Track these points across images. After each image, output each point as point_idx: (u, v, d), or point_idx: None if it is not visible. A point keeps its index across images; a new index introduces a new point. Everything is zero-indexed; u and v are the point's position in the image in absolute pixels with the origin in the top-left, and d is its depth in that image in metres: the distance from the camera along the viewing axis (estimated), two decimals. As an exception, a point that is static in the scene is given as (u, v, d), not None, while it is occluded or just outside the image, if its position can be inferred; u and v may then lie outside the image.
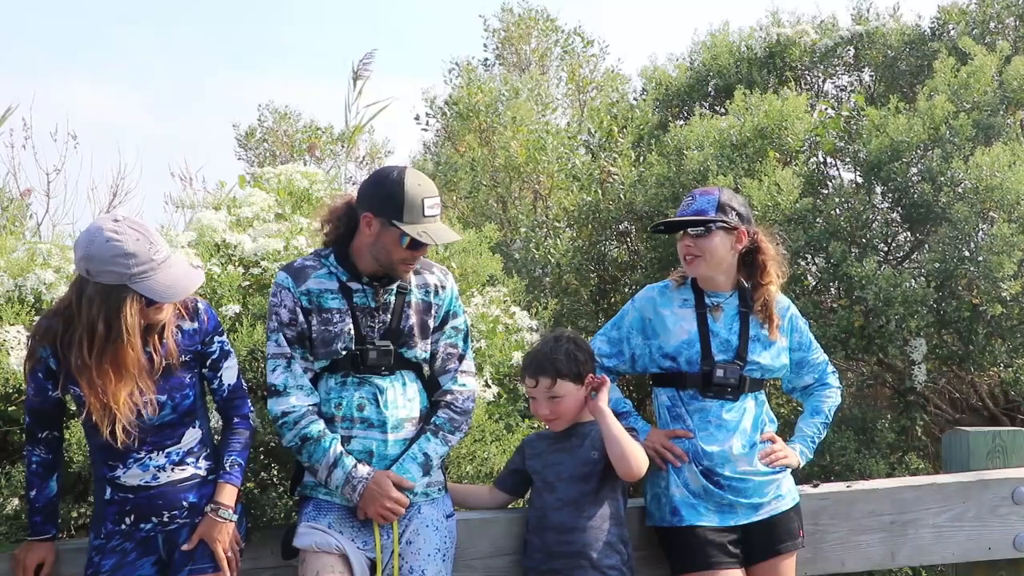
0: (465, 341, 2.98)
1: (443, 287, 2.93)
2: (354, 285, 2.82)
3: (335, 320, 2.78)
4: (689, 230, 2.94)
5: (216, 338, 2.73)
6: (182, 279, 2.53)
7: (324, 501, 2.78)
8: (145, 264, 2.45)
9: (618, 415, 3.00)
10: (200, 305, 2.72)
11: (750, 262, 3.01)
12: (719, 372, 2.91)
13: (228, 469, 2.69)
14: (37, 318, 3.14)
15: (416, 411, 2.85)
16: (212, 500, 2.66)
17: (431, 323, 2.90)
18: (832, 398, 3.14)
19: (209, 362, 2.72)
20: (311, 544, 2.71)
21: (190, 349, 2.67)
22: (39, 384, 2.59)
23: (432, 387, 2.93)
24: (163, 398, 2.61)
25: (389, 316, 2.83)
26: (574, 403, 2.87)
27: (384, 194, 2.75)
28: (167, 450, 2.64)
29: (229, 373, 2.76)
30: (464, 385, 2.92)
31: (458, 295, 3.01)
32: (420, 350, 2.87)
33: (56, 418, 2.69)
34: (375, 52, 5.28)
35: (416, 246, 2.75)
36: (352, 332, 2.79)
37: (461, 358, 2.95)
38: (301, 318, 2.78)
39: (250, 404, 2.83)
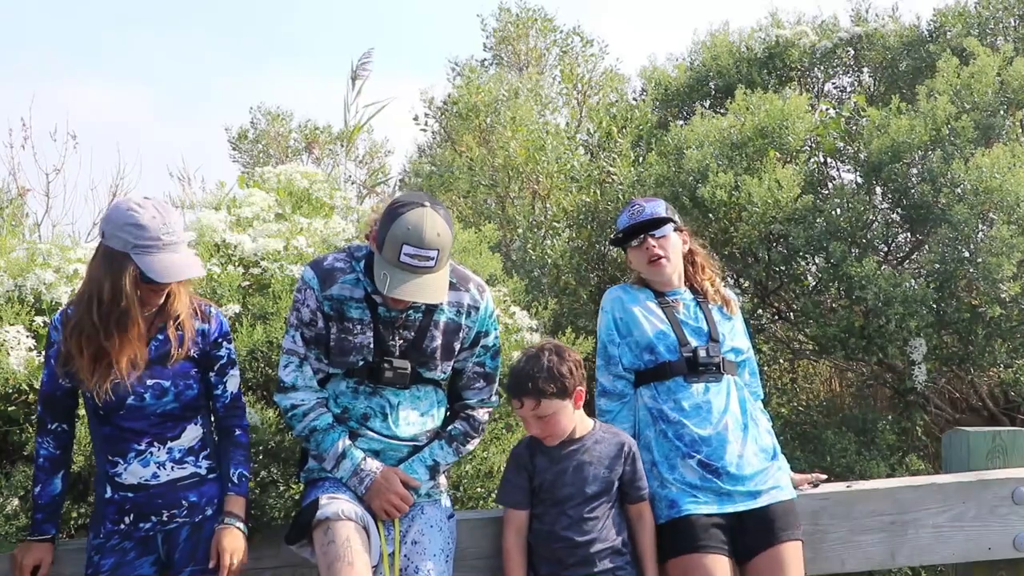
0: (494, 359, 2.92)
1: (476, 308, 2.84)
2: (379, 297, 2.73)
3: (355, 331, 2.72)
4: (654, 232, 3.06)
5: (225, 344, 2.74)
6: (179, 264, 2.53)
7: (336, 481, 2.73)
8: (151, 240, 2.48)
9: None
10: (212, 310, 2.74)
11: (689, 261, 3.16)
12: (702, 352, 2.96)
13: (236, 482, 2.69)
14: (37, 318, 3.15)
15: (428, 428, 2.82)
16: (225, 513, 2.65)
17: (457, 346, 2.82)
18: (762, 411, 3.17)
19: (217, 367, 2.73)
20: (338, 511, 2.61)
21: (199, 347, 2.69)
22: (52, 371, 2.61)
23: (453, 395, 2.92)
24: (167, 384, 2.62)
25: (413, 333, 2.77)
26: (565, 418, 2.77)
27: (383, 219, 2.67)
28: (168, 444, 2.63)
29: (233, 382, 2.76)
30: (487, 403, 2.92)
31: (494, 311, 2.92)
32: (440, 371, 2.82)
33: (67, 409, 2.69)
34: (372, 51, 5.34)
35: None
36: (371, 345, 2.73)
37: (488, 376, 2.91)
38: (321, 323, 2.73)
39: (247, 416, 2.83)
